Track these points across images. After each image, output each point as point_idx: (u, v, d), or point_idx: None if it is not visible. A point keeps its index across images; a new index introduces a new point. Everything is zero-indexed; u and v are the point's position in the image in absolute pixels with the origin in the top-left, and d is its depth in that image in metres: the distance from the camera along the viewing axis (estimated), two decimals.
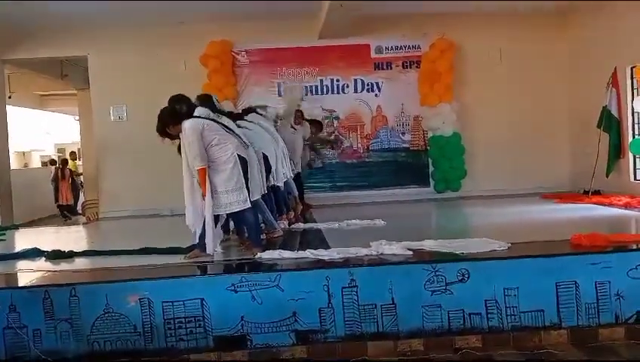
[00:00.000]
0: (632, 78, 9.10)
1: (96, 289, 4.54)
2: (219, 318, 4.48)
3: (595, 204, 8.38)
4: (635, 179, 9.16)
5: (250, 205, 5.51)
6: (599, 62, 9.59)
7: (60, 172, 14.86)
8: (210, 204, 5.31)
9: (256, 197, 5.96)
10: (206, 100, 5.92)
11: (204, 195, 5.30)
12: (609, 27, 9.43)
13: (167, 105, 5.51)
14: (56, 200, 14.71)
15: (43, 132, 23.44)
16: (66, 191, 14.62)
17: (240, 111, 7.68)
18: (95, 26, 10.18)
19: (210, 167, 5.34)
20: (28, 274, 5.24)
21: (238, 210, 5.48)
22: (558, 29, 10.75)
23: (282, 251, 5.32)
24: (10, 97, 12.74)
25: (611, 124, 9.19)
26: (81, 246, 6.85)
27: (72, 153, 18.36)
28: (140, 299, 4.47)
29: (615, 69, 9.13)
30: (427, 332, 4.55)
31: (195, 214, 5.49)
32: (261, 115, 7.34)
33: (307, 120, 9.39)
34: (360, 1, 8.71)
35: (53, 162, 17.01)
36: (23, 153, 22.45)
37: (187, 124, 5.28)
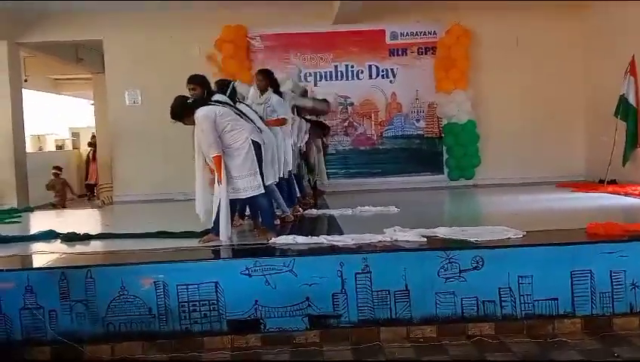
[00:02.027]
0: None
1: (111, 272, 4.57)
2: (233, 302, 4.51)
3: (610, 193, 8.32)
4: None
5: (264, 190, 5.51)
6: (617, 49, 9.48)
7: (92, 154, 15.25)
8: (226, 191, 5.31)
9: (271, 181, 5.97)
10: (222, 86, 5.93)
11: (220, 182, 5.30)
12: (627, 13, 9.30)
13: (185, 85, 5.54)
14: (86, 179, 15.13)
15: (58, 116, 23.51)
16: (94, 172, 15.00)
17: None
18: (110, 10, 10.19)
19: (225, 152, 5.33)
20: (44, 255, 5.29)
21: (252, 195, 5.49)
22: (575, 15, 10.62)
23: (296, 236, 5.31)
24: (26, 80, 12.80)
25: (628, 112, 9.08)
26: (95, 228, 6.91)
27: (94, 137, 18.30)
28: (154, 282, 4.50)
29: (633, 57, 9.01)
30: (440, 319, 4.54)
31: (205, 201, 5.49)
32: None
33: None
34: None
35: (90, 144, 17.41)
36: (38, 136, 22.54)
37: (200, 113, 5.26)
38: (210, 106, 5.35)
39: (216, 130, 5.26)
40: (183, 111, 5.32)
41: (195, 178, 5.55)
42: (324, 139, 9.55)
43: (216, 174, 5.35)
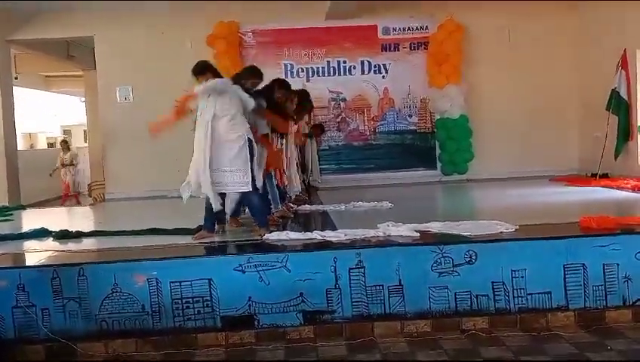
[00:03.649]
0: None
1: (104, 269, 4.55)
2: (226, 298, 4.50)
3: (603, 187, 8.34)
4: None
5: (251, 188, 5.45)
6: (609, 43, 9.51)
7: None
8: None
9: (260, 178, 5.91)
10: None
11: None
12: (619, 8, 9.32)
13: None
14: None
15: (49, 113, 23.42)
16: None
17: None
18: (101, 7, 10.13)
19: (220, 141, 5.27)
20: (36, 253, 5.27)
21: (239, 191, 5.44)
22: (567, 9, 10.63)
23: (289, 232, 5.32)
24: (16, 78, 12.73)
25: (620, 106, 9.12)
26: (88, 226, 6.88)
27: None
28: (147, 279, 4.48)
29: (624, 50, 9.04)
30: (434, 313, 4.55)
31: (204, 181, 5.24)
32: None
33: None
34: None
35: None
36: (29, 134, 22.45)
37: (222, 79, 5.38)
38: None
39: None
40: (208, 69, 5.36)
41: (195, 156, 5.33)
42: (317, 139, 9.59)
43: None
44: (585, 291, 4.59)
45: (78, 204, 13.44)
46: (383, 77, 10.79)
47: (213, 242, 5.35)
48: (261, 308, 4.50)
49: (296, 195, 7.72)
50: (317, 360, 4.08)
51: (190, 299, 4.50)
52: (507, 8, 10.40)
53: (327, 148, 10.76)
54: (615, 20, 9.48)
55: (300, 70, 10.65)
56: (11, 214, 8.69)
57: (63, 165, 14.21)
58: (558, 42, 10.65)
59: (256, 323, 4.50)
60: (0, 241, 5.88)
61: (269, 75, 10.00)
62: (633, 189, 7.78)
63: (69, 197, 13.97)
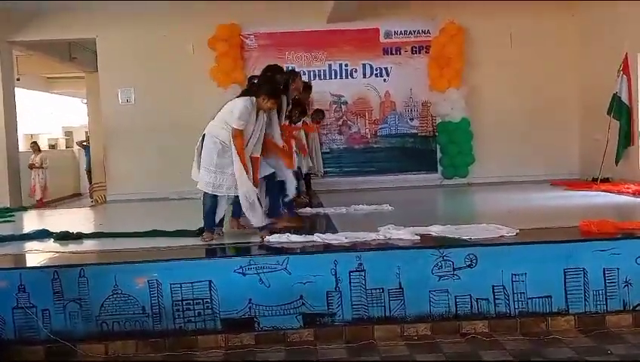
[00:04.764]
0: None
1: (105, 271, 4.55)
2: (227, 301, 4.50)
3: (604, 191, 8.34)
4: None
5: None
6: (610, 47, 9.50)
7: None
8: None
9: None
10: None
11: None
12: (620, 12, 9.33)
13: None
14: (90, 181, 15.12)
15: (51, 115, 23.43)
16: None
17: None
18: (104, 8, 10.15)
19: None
20: (37, 254, 5.27)
21: (235, 194, 5.45)
22: (569, 13, 10.63)
23: (290, 235, 5.31)
24: (18, 79, 12.75)
25: (621, 111, 9.11)
26: (89, 228, 6.89)
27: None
28: (148, 281, 4.49)
29: (626, 55, 9.04)
30: (434, 317, 4.55)
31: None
32: None
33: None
34: None
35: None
36: (31, 135, 22.45)
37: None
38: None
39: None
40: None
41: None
42: (318, 125, 9.52)
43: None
44: (585, 295, 4.59)
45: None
46: (385, 80, 10.79)
47: (214, 244, 5.35)
48: (261, 311, 4.50)
49: (297, 197, 7.71)
50: None
51: (190, 301, 4.50)
52: (508, 9, 10.38)
53: (329, 150, 10.76)
54: (616, 22, 9.48)
55: (301, 73, 10.62)
56: (12, 215, 8.70)
57: (33, 167, 13.78)
58: (560, 46, 10.64)
59: (256, 325, 4.50)
60: (1, 242, 5.88)
61: None
62: (634, 194, 7.77)
63: (42, 203, 13.49)
